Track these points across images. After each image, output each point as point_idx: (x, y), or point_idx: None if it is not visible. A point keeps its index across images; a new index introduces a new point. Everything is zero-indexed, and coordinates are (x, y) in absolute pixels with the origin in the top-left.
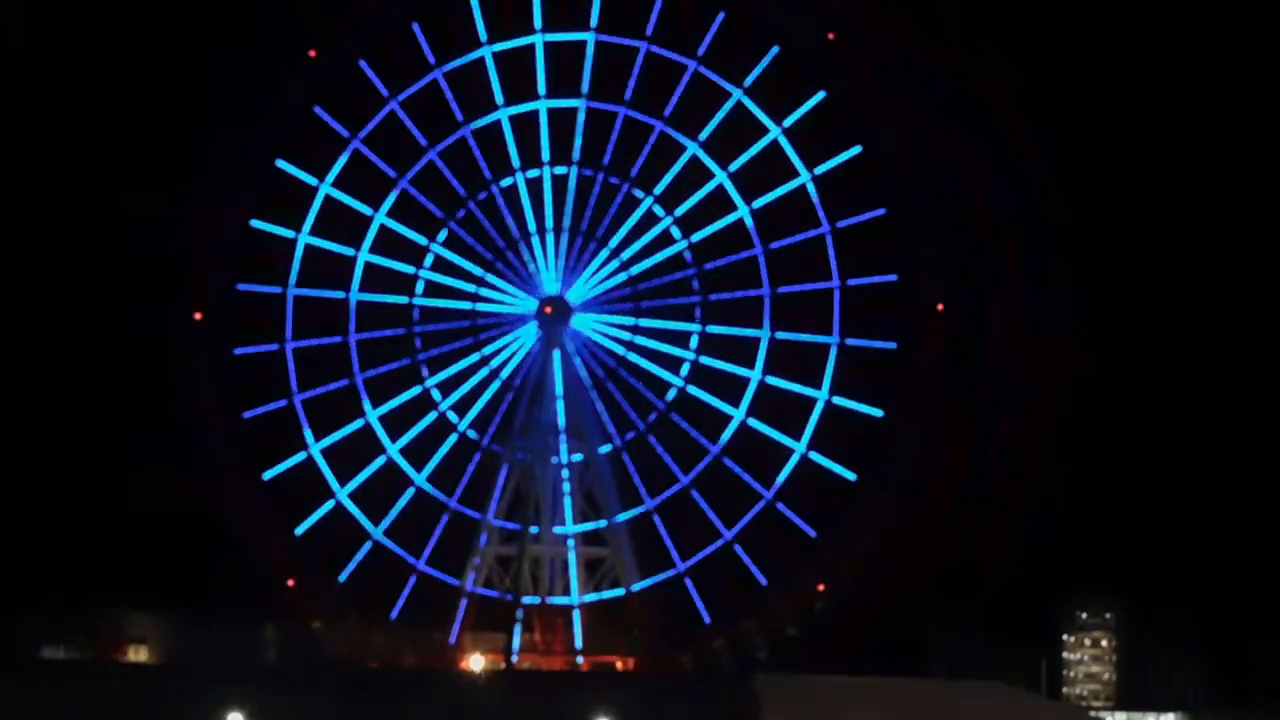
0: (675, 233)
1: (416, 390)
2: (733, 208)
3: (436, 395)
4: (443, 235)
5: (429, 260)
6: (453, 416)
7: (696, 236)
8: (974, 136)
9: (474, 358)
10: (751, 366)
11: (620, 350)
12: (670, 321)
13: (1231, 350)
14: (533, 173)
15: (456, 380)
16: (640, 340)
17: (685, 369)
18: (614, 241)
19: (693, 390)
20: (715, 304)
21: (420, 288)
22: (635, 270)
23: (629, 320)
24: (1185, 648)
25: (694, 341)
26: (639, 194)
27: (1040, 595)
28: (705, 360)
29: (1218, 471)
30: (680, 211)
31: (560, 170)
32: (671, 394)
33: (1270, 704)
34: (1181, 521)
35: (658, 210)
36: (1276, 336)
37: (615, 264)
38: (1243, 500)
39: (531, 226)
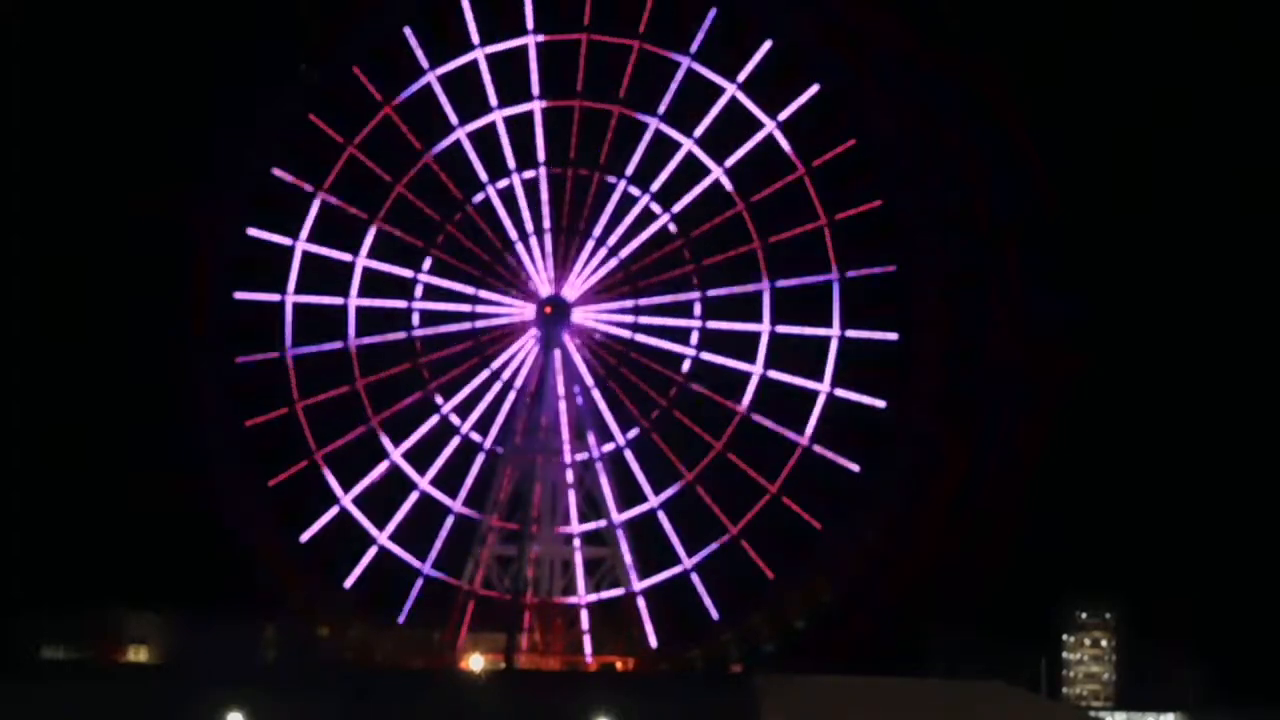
0: (673, 229)
1: (418, 394)
2: (730, 203)
3: (438, 398)
4: (440, 238)
5: (427, 264)
6: (454, 419)
7: (694, 232)
8: (974, 136)
9: (475, 360)
10: (753, 361)
11: (621, 348)
12: (670, 318)
13: (1231, 350)
14: (529, 173)
15: (458, 383)
16: (640, 338)
17: (686, 365)
18: (612, 240)
19: (694, 386)
20: (715, 299)
21: (419, 291)
22: (634, 268)
23: (629, 318)
24: (1185, 648)
25: (694, 337)
26: (635, 192)
27: (1040, 595)
28: (706, 356)
29: (1217, 471)
30: (677, 208)
31: (556, 170)
32: (673, 391)
33: (1270, 704)
34: (1181, 522)
35: (655, 207)
36: (1276, 336)
37: (614, 262)
38: (1242, 500)
39: (529, 227)
